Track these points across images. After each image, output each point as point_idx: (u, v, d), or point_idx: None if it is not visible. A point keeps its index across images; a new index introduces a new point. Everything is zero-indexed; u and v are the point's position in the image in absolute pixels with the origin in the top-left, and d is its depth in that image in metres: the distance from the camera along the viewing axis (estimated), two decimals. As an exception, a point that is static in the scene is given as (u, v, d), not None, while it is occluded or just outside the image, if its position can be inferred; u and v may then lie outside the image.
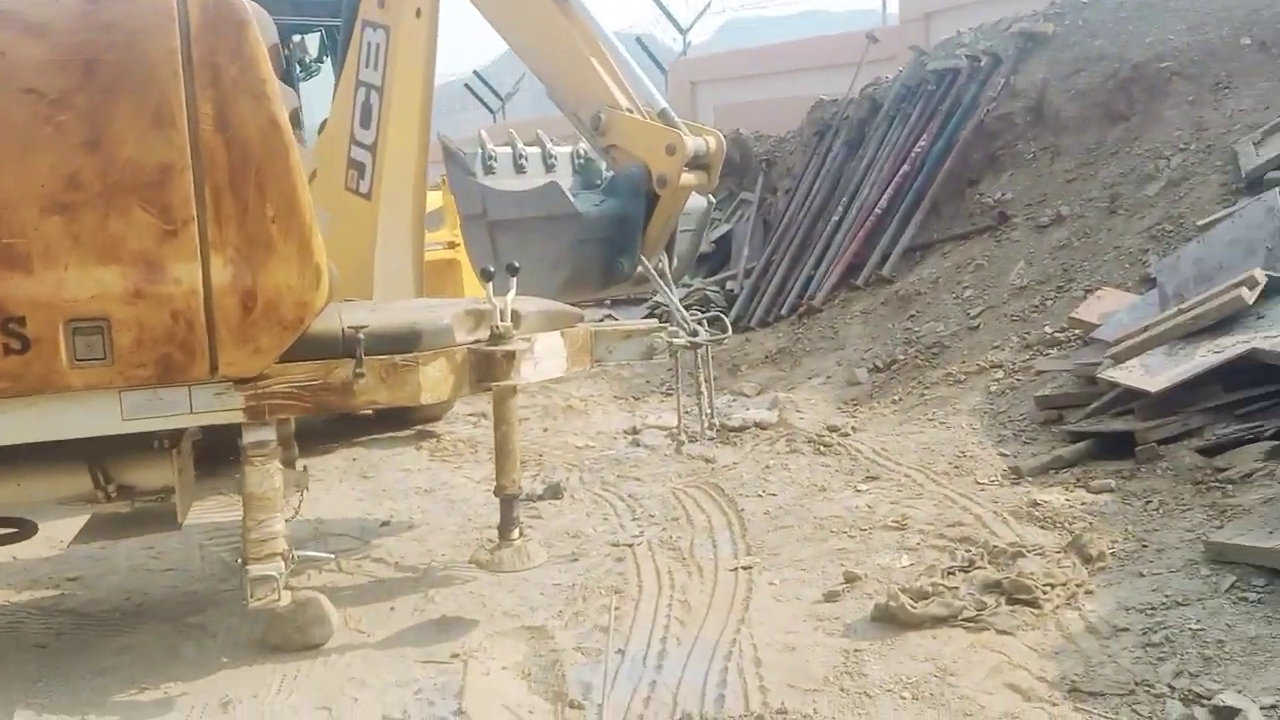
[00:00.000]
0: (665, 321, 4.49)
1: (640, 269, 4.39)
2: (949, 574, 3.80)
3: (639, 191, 4.21)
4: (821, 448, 5.96)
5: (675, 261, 4.59)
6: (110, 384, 3.26)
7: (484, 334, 3.77)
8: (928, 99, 9.43)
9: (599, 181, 4.78)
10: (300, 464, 4.45)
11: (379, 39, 5.06)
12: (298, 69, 7.05)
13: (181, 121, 3.25)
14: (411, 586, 4.36)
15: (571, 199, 4.18)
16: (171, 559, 4.95)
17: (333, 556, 4.41)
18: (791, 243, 9.76)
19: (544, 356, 3.95)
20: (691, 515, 5.04)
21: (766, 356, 8.78)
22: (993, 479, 5.05)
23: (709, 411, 4.63)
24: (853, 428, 6.46)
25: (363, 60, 5.15)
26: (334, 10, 5.52)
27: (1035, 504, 4.52)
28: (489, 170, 4.67)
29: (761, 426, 6.81)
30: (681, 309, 4.45)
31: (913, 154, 9.19)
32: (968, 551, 4.03)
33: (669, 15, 18.14)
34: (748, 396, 8.02)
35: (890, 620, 3.56)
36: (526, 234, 4.38)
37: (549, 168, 4.89)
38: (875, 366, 7.71)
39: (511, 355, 3.71)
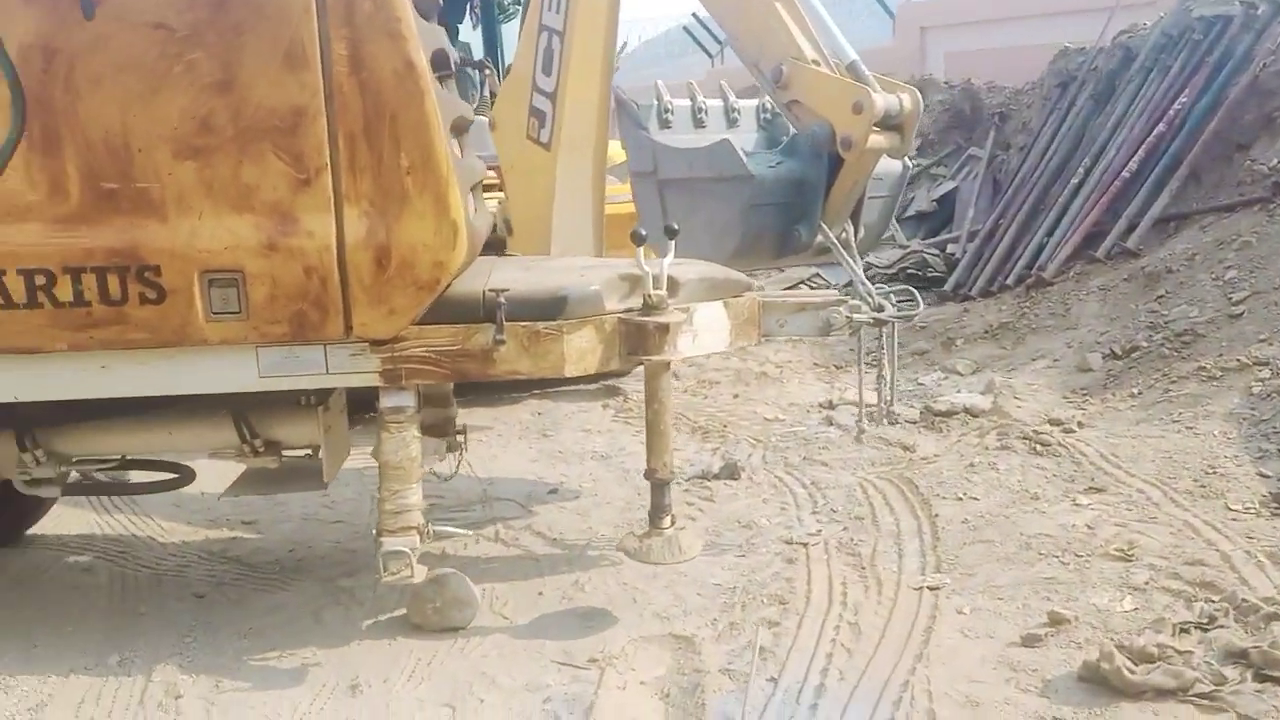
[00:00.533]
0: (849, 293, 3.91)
1: (820, 238, 3.83)
2: (1182, 631, 3.06)
3: (821, 153, 3.67)
4: (1038, 446, 5.17)
5: (862, 231, 4.01)
6: (246, 339, 3.06)
7: (638, 301, 3.34)
8: (1192, 50, 8.19)
9: (784, 139, 4.22)
10: (460, 423, 4.19)
11: None
12: (496, 11, 6.82)
13: (315, 62, 2.94)
14: (565, 567, 4.03)
15: (744, 159, 3.69)
16: (343, 509, 4.85)
17: (470, 533, 4.11)
18: (1023, 205, 8.79)
19: (704, 329, 3.49)
20: (878, 514, 4.45)
21: (986, 331, 7.92)
22: (1249, 506, 4.15)
23: (888, 398, 4.04)
24: (1079, 423, 5.61)
25: (545, 2, 4.79)
26: None
27: (1302, 547, 3.67)
28: (665, 124, 4.25)
29: (972, 413, 6.03)
30: (865, 280, 3.84)
31: (1171, 112, 8.02)
32: (1209, 603, 3.24)
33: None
34: (960, 375, 7.25)
35: (1101, 683, 2.88)
36: (696, 195, 3.93)
37: (731, 123, 4.42)
38: (1111, 352, 6.72)
39: (665, 328, 3.26)
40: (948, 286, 9.09)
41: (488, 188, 5.99)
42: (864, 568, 3.89)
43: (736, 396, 6.85)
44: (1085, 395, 6.27)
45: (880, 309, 3.73)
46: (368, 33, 2.95)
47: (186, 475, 3.83)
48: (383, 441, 3.20)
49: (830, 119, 3.62)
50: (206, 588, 3.99)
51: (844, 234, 3.94)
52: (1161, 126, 8.02)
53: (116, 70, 2.90)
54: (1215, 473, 4.55)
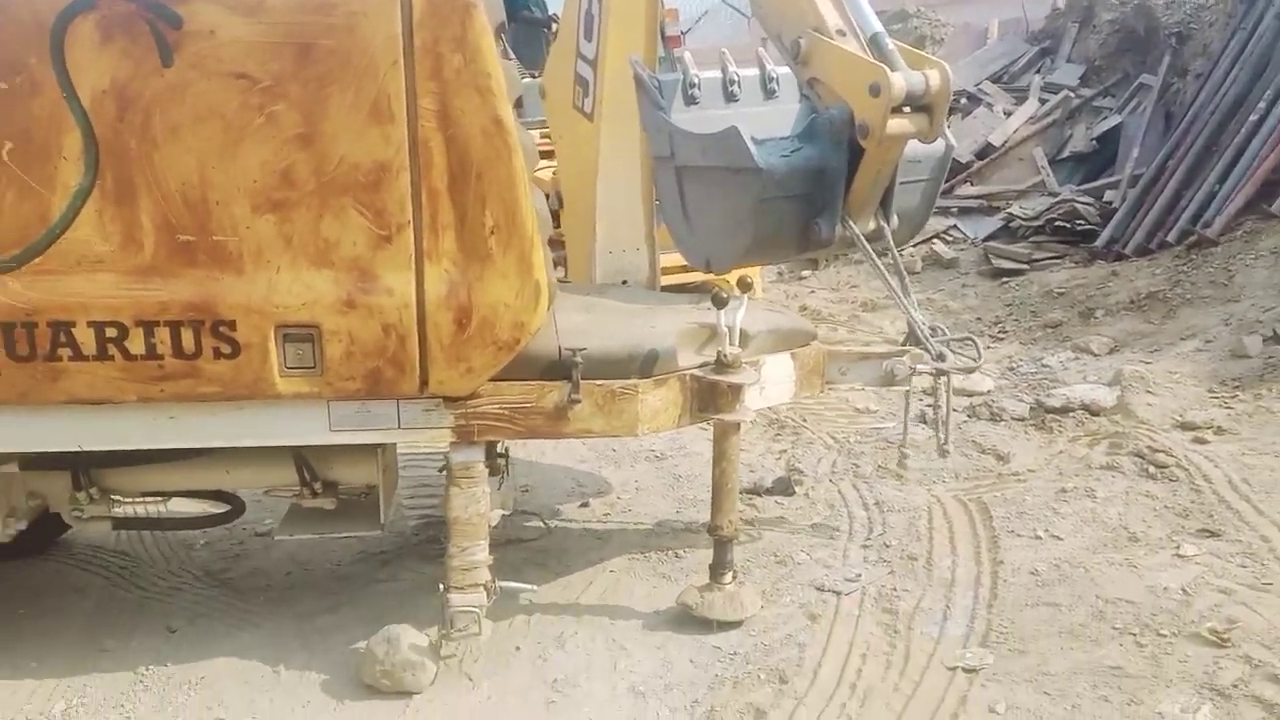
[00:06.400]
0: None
1: (845, 232, 4.07)
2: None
3: (841, 139, 3.85)
4: (1152, 468, 5.45)
5: (895, 222, 4.22)
6: (319, 394, 3.70)
7: (710, 355, 4.00)
8: None
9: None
10: (503, 445, 4.66)
11: None
12: None
13: (401, 116, 3.52)
14: (554, 615, 4.37)
15: (752, 150, 3.85)
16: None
17: (535, 589, 4.36)
18: (1193, 146, 9.08)
19: (771, 382, 4.15)
20: (935, 556, 4.70)
21: (1133, 300, 8.32)
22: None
23: (943, 438, 4.61)
24: (1216, 430, 5.96)
25: None
26: None
27: None
28: (691, 100, 4.47)
29: (1091, 411, 6.47)
30: (920, 323, 4.23)
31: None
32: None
33: None
34: (1094, 356, 7.68)
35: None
36: (711, 185, 4.17)
37: (769, 94, 4.61)
38: (1275, 334, 7.10)
39: (738, 388, 3.93)
40: (1099, 242, 9.38)
41: (543, 155, 6.33)
42: (895, 633, 4.10)
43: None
44: (1235, 389, 6.63)
45: (941, 357, 4.24)
46: (456, 88, 3.52)
47: (237, 508, 4.49)
48: (452, 498, 3.87)
49: (849, 101, 3.82)
50: (183, 620, 4.47)
51: (877, 226, 4.15)
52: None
53: (195, 120, 3.48)
54: (1370, 517, 4.62)
